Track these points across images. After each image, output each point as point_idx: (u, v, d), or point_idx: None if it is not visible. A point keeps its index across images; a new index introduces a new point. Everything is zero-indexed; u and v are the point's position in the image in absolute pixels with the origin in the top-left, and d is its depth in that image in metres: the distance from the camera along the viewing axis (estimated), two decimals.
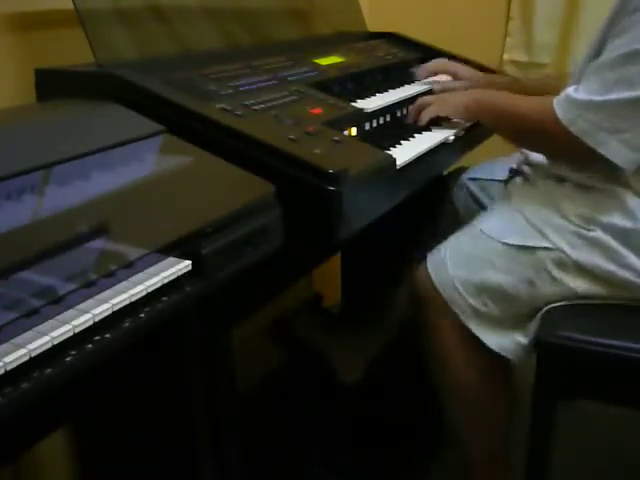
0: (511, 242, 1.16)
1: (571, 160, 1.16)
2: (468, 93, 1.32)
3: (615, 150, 1.05)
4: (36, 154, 0.79)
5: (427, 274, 1.21)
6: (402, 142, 1.19)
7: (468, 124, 1.35)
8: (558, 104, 1.09)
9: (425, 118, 1.29)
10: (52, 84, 1.08)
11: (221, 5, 1.36)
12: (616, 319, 1.13)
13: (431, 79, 1.55)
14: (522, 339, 1.17)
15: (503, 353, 1.18)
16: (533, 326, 1.17)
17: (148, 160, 0.90)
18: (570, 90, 1.09)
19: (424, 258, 1.24)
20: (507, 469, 1.29)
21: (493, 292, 1.17)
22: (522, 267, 1.16)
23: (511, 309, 1.17)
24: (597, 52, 1.11)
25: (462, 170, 1.54)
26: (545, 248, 1.14)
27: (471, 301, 1.17)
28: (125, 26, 1.12)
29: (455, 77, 1.54)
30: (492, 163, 1.51)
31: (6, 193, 0.71)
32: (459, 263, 1.19)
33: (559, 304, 1.16)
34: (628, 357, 1.06)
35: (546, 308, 1.16)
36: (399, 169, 1.05)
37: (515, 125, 1.21)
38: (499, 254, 1.17)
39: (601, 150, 1.05)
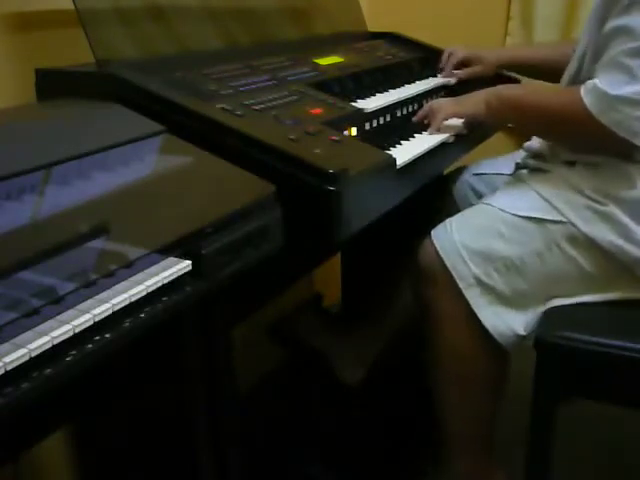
0: (522, 214, 1.15)
1: (601, 149, 1.14)
2: (486, 90, 1.29)
3: None
4: (36, 154, 0.79)
5: (431, 244, 1.19)
6: (402, 142, 1.19)
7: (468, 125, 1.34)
8: (586, 94, 1.06)
9: (441, 117, 1.27)
10: (52, 84, 1.08)
11: (221, 5, 1.36)
12: (616, 318, 1.13)
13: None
14: (517, 326, 1.16)
15: (494, 334, 1.16)
16: (531, 323, 1.16)
17: (148, 160, 0.90)
18: (597, 81, 1.06)
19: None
20: (482, 454, 1.27)
21: (499, 262, 1.15)
22: (532, 239, 1.15)
23: (515, 284, 1.16)
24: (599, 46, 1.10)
25: (463, 168, 1.53)
26: (557, 222, 1.14)
27: (474, 269, 1.15)
28: (125, 26, 1.12)
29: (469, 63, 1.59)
30: (495, 159, 1.51)
31: (6, 193, 0.71)
32: (465, 230, 1.18)
33: (559, 304, 1.16)
34: (628, 357, 1.06)
35: (546, 307, 1.16)
36: (399, 169, 1.05)
37: (543, 119, 1.19)
38: (508, 224, 1.16)
39: (636, 141, 1.04)
